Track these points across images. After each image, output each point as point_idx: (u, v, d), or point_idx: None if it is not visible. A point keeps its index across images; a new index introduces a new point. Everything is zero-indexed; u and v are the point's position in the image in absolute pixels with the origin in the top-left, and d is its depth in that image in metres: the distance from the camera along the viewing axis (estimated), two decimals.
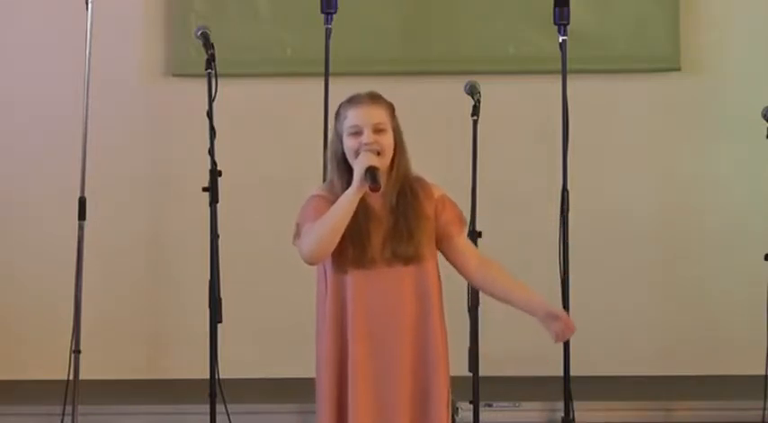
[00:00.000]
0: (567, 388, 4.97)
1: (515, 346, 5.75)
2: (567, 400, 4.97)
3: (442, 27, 6.00)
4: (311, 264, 3.40)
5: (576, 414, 4.97)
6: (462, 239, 3.51)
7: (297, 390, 5.26)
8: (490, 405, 5.17)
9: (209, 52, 4.67)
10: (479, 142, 4.82)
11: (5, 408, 5.26)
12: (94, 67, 5.11)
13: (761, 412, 5.01)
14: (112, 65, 5.75)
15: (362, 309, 3.35)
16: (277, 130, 5.99)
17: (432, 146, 5.38)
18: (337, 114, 3.46)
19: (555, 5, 5.07)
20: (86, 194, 5.03)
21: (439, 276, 3.45)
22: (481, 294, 4.72)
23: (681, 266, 6.02)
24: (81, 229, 5.01)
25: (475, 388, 4.79)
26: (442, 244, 3.48)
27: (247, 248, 5.73)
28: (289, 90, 5.96)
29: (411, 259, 3.38)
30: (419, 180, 3.48)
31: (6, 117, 6.04)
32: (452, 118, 5.24)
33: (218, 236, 4.68)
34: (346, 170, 3.38)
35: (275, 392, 5.59)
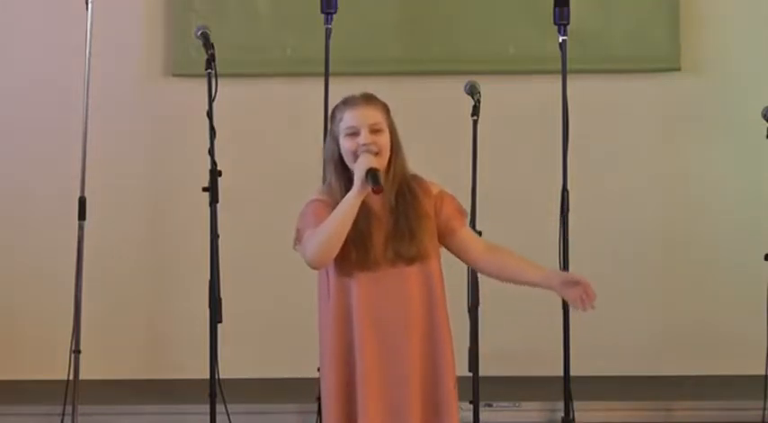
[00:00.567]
0: (567, 388, 4.97)
1: (515, 346, 5.75)
2: (567, 400, 4.97)
3: (442, 27, 6.00)
4: (316, 268, 3.40)
5: (576, 414, 4.97)
6: (465, 230, 3.51)
7: (297, 390, 5.27)
8: (490, 405, 5.17)
9: (209, 52, 4.66)
10: (479, 142, 4.82)
11: (5, 408, 5.26)
12: (94, 67, 5.11)
13: (761, 412, 5.01)
14: (112, 65, 5.75)
15: (369, 311, 3.35)
16: (277, 130, 5.99)
17: (432, 146, 5.39)
18: (332, 116, 3.47)
19: (555, 5, 5.07)
20: (86, 194, 5.04)
21: (442, 275, 3.44)
22: (481, 294, 4.73)
23: (681, 266, 6.01)
24: (81, 229, 5.02)
25: (475, 388, 4.79)
26: (445, 239, 3.48)
27: (247, 248, 5.73)
28: (289, 90, 5.96)
29: (414, 258, 3.38)
30: (416, 178, 3.48)
31: (6, 117, 6.04)
32: (452, 118, 5.24)
33: (218, 236, 4.68)
34: (344, 172, 3.39)
35: (275, 392, 5.59)
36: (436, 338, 3.39)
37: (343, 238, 3.30)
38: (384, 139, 3.39)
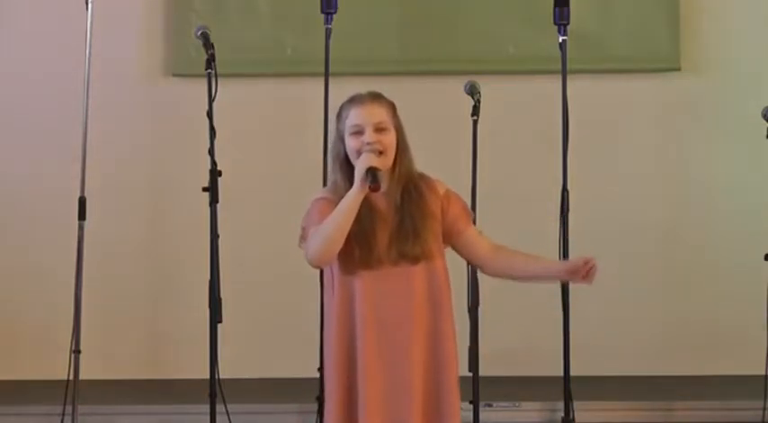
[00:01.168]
0: (567, 388, 4.96)
1: (515, 346, 5.75)
2: (567, 400, 4.96)
3: (442, 27, 6.00)
4: (317, 267, 3.40)
5: (576, 414, 4.97)
6: (471, 231, 3.52)
7: (297, 390, 5.27)
8: (490, 405, 5.17)
9: (209, 52, 4.66)
10: (479, 142, 4.82)
11: (5, 408, 5.25)
12: (94, 67, 5.11)
13: (761, 412, 5.01)
14: (112, 65, 5.75)
15: (371, 308, 3.35)
16: (277, 130, 5.99)
17: (432, 146, 5.36)
18: (338, 115, 3.47)
19: (555, 5, 5.06)
20: (86, 194, 5.03)
21: (447, 275, 3.44)
22: (481, 294, 4.72)
23: (680, 266, 6.02)
24: (81, 229, 5.01)
25: (475, 388, 4.78)
26: (452, 239, 3.48)
27: (247, 248, 5.73)
28: (289, 90, 5.96)
29: (418, 258, 3.37)
30: (423, 177, 3.49)
31: (6, 117, 6.04)
32: (452, 118, 5.23)
33: (218, 236, 4.68)
34: (349, 170, 3.38)
35: (275, 392, 5.59)
36: (440, 338, 3.39)
37: (344, 237, 3.30)
38: (389, 138, 3.39)
